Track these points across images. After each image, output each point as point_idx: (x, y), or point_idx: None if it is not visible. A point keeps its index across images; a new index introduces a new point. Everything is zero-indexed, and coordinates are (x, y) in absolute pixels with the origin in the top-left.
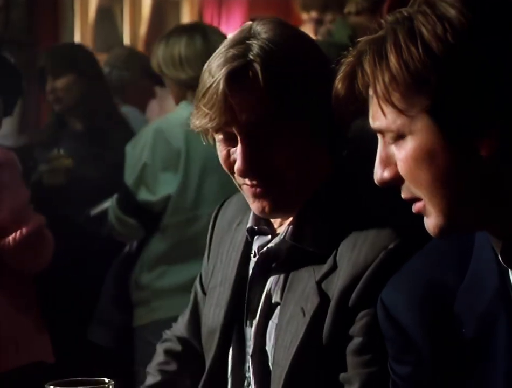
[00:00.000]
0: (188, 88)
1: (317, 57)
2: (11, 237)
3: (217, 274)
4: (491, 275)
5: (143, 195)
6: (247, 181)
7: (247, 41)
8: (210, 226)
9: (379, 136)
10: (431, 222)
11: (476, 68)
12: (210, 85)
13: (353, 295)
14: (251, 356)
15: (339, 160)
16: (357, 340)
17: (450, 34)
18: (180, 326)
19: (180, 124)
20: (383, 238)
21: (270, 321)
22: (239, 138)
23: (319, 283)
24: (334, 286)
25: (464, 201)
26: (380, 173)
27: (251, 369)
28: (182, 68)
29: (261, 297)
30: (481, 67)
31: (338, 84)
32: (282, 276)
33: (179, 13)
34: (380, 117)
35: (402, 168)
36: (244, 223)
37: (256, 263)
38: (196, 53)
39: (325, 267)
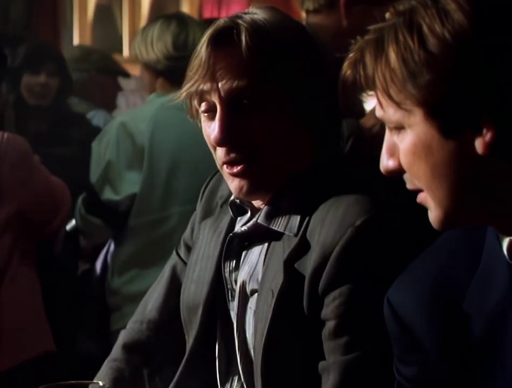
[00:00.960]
0: (158, 75)
1: (309, 45)
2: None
3: (199, 249)
4: (501, 272)
5: (107, 194)
6: (225, 155)
7: (240, 14)
8: (199, 198)
9: (387, 126)
10: (432, 215)
11: (472, 66)
12: (196, 50)
13: (323, 276)
14: (238, 347)
15: (323, 148)
16: (330, 324)
17: (448, 31)
18: (152, 308)
19: (147, 118)
20: (350, 216)
21: (248, 308)
22: (218, 106)
23: (286, 262)
24: (308, 267)
25: (460, 195)
26: (385, 162)
27: (238, 358)
28: (152, 48)
29: (236, 278)
30: (477, 65)
31: (347, 70)
32: (254, 259)
33: (178, 10)
34: (381, 108)
35: (402, 160)
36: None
37: (229, 241)
38: (168, 33)
39: (292, 245)
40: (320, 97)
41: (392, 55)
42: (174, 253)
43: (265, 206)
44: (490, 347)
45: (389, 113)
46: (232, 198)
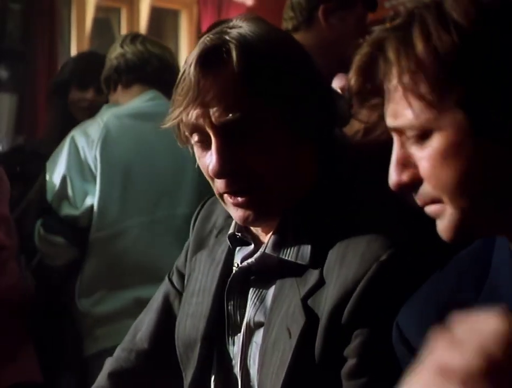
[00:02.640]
0: (107, 86)
1: (301, 56)
2: None
3: (194, 282)
4: (508, 284)
5: (66, 210)
6: (226, 187)
7: (226, 29)
8: (191, 226)
9: (395, 137)
10: (448, 224)
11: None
12: (184, 71)
13: (345, 312)
14: (241, 383)
15: (327, 166)
16: (351, 362)
17: (483, 15)
18: (142, 337)
19: (97, 129)
20: (374, 249)
21: (253, 342)
22: (212, 136)
23: (304, 300)
24: (323, 304)
25: (484, 202)
26: (397, 176)
27: None
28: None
29: (242, 312)
30: None
31: (353, 77)
32: (264, 293)
33: (177, 23)
34: (403, 112)
35: (425, 168)
36: (225, 232)
37: (234, 276)
38: (115, 44)
39: (311, 282)
40: (318, 112)
41: (421, 48)
42: (166, 279)
43: (272, 236)
44: None
45: (415, 116)
46: (231, 231)
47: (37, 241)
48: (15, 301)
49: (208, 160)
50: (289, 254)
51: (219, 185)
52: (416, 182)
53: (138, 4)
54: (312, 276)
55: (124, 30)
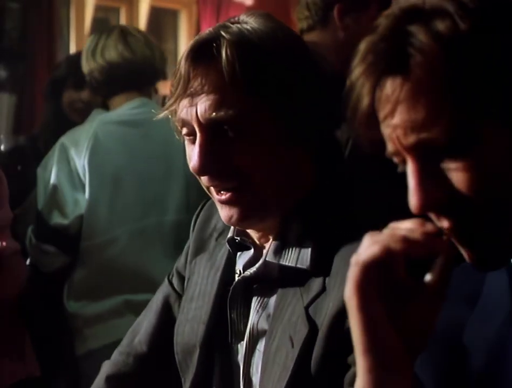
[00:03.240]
0: (95, 91)
1: (305, 57)
2: None
3: (194, 287)
4: (503, 299)
5: (56, 218)
6: (208, 182)
7: (228, 24)
8: (191, 228)
9: (412, 156)
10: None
11: None
12: (178, 63)
13: (347, 321)
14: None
15: (326, 166)
16: (354, 369)
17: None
18: (141, 340)
19: (86, 136)
20: None
21: (257, 350)
22: (197, 130)
23: (307, 308)
24: (325, 312)
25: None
26: (423, 198)
27: None
28: (87, 60)
29: (246, 319)
30: None
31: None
32: (267, 300)
33: (176, 23)
34: (434, 122)
35: (468, 187)
36: (225, 235)
37: (237, 284)
38: (98, 44)
39: (314, 290)
40: (317, 112)
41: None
42: (166, 281)
43: (273, 241)
44: (490, 374)
45: (448, 126)
46: (230, 235)
47: (29, 248)
48: (16, 299)
49: (189, 152)
50: (289, 259)
51: (203, 180)
52: (447, 202)
53: (137, 3)
54: (316, 284)
55: None
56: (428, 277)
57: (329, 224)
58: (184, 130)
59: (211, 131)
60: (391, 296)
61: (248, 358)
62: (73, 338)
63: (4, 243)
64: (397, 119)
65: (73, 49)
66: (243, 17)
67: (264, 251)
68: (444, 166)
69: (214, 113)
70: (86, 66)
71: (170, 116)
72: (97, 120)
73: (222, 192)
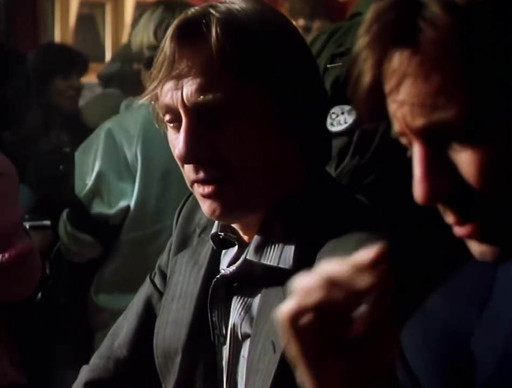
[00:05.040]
0: (144, 68)
1: (296, 40)
2: None
3: (174, 286)
4: None
5: (98, 207)
6: (194, 173)
7: (216, 3)
8: (174, 223)
9: (419, 140)
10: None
11: None
12: (162, 44)
13: None
14: None
15: (315, 163)
16: None
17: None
18: (121, 343)
19: (135, 126)
20: None
21: (241, 356)
22: (183, 115)
23: None
24: None
25: None
26: (430, 189)
27: None
28: (136, 37)
29: (226, 323)
30: None
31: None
32: (250, 301)
33: None
34: (447, 103)
35: (475, 173)
36: (209, 231)
37: (216, 284)
38: (152, 20)
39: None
40: (311, 102)
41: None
42: (148, 280)
43: (255, 238)
44: (498, 384)
45: (464, 108)
46: (214, 230)
47: (63, 235)
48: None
49: (174, 140)
50: (271, 258)
51: (187, 171)
52: (453, 194)
53: None
54: None
55: (108, 26)
56: (362, 311)
57: (314, 223)
58: (167, 116)
59: (198, 116)
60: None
61: (233, 364)
62: (92, 332)
63: (7, 255)
64: (403, 94)
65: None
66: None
67: (246, 249)
68: (453, 154)
69: (201, 97)
70: (146, 42)
71: (151, 102)
72: (145, 110)
73: (204, 185)
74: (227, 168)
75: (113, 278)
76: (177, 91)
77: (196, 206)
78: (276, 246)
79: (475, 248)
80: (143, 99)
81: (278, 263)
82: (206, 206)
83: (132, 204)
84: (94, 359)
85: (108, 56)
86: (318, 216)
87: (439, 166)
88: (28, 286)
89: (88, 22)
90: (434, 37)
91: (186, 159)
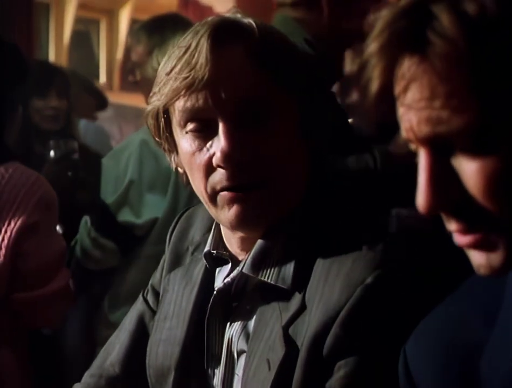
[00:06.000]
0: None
1: (310, 53)
2: (34, 294)
3: (167, 305)
4: None
5: (126, 216)
6: (229, 179)
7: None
8: (167, 240)
9: (426, 150)
10: (497, 258)
11: None
12: (188, 45)
13: (327, 341)
14: None
15: (318, 175)
16: None
17: None
18: (113, 361)
19: None
20: (359, 270)
21: (236, 374)
22: (219, 116)
23: (285, 328)
24: (304, 332)
25: None
26: (433, 199)
27: None
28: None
29: (222, 342)
30: None
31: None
32: (247, 319)
33: None
34: (456, 115)
35: (480, 187)
36: (202, 249)
37: (214, 301)
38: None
39: (293, 308)
40: (329, 113)
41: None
42: (140, 298)
43: (252, 252)
44: None
45: (467, 120)
46: (207, 248)
47: (86, 241)
48: None
49: (210, 151)
50: (269, 276)
51: (218, 178)
52: (458, 204)
53: (117, 16)
54: (295, 301)
55: (103, 43)
56: None
57: (313, 239)
58: (193, 125)
59: (234, 119)
60: None
61: (227, 381)
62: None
63: (54, 285)
64: (410, 98)
65: (52, 60)
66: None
67: (241, 263)
68: (459, 163)
69: (242, 96)
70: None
71: (157, 111)
72: None
73: (234, 191)
74: (261, 172)
75: (130, 293)
76: (211, 95)
77: (190, 224)
78: (275, 262)
79: (475, 258)
80: (159, 104)
81: (276, 282)
82: (232, 212)
83: (162, 217)
84: (86, 377)
85: (103, 73)
86: (317, 234)
87: (445, 175)
88: (63, 313)
89: (83, 39)
90: (443, 51)
91: (231, 160)
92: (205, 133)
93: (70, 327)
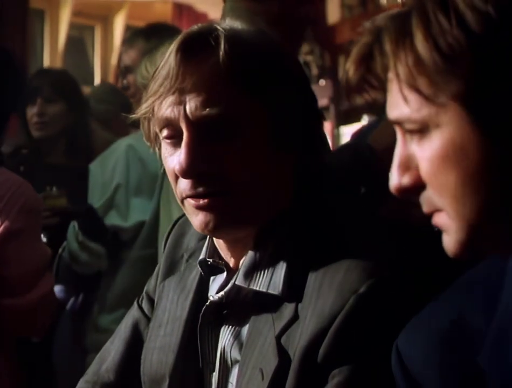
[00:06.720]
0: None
1: (290, 60)
2: (17, 300)
3: (162, 312)
4: None
5: (113, 219)
6: (191, 189)
7: (217, 23)
8: (162, 247)
9: (399, 131)
10: (451, 239)
11: None
12: (165, 59)
13: (320, 351)
14: None
15: (305, 182)
16: None
17: (492, 5)
18: (108, 368)
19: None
20: (352, 279)
21: (230, 383)
22: (184, 130)
23: (278, 338)
24: (297, 342)
25: (491, 211)
26: (398, 179)
27: None
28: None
29: (216, 350)
30: None
31: (350, 69)
32: (240, 328)
33: None
34: (401, 105)
35: (425, 170)
36: (197, 256)
37: (206, 311)
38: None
39: (286, 317)
40: (305, 120)
41: (420, 39)
42: (135, 305)
43: (244, 262)
44: None
45: (413, 111)
46: (202, 256)
47: (74, 245)
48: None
49: (175, 159)
50: (260, 284)
51: (183, 187)
52: (420, 185)
53: (112, 21)
54: (287, 310)
55: (97, 48)
56: None
57: (303, 247)
58: (165, 132)
59: (200, 131)
60: None
61: None
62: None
63: (37, 292)
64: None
65: (46, 65)
66: (228, 21)
67: (235, 275)
68: (415, 147)
69: (207, 110)
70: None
71: (144, 118)
72: None
73: (199, 199)
74: (224, 182)
75: (117, 298)
76: (179, 106)
77: (185, 231)
78: (266, 270)
79: (444, 241)
80: (139, 115)
81: (267, 289)
82: (199, 219)
83: (148, 221)
84: (81, 384)
85: (97, 78)
86: (308, 240)
87: (410, 159)
88: (48, 322)
89: (77, 45)
90: (383, 64)
91: (188, 173)
92: (176, 141)
93: (59, 332)
